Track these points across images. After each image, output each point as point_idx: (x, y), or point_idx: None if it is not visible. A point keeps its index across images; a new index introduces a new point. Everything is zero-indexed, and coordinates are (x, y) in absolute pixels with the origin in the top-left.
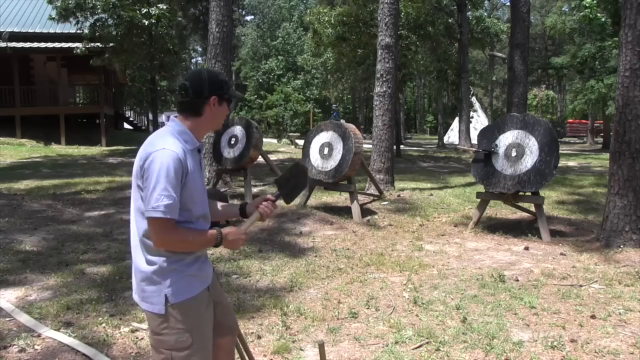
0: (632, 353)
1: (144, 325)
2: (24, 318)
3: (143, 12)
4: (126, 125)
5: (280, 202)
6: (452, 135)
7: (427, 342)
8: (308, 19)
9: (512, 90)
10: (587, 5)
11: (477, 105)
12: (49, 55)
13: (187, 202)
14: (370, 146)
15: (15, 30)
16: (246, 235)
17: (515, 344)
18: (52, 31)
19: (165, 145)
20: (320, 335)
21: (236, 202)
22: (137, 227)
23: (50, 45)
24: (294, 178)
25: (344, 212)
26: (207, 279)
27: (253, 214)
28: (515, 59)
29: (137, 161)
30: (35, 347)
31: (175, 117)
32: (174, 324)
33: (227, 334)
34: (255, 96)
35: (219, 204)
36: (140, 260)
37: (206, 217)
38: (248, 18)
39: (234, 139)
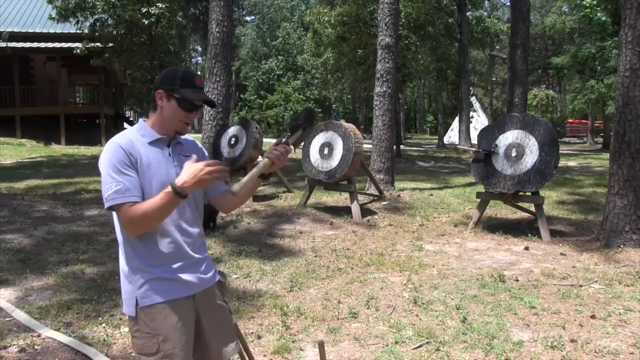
0: (632, 353)
1: None
2: (24, 318)
3: (143, 11)
4: (126, 125)
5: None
6: (452, 135)
7: (427, 342)
8: (308, 19)
9: (512, 90)
10: (587, 5)
11: (477, 105)
12: (49, 55)
13: (148, 192)
14: (370, 146)
15: (15, 30)
16: (209, 170)
17: (515, 344)
18: (52, 31)
19: (110, 140)
20: (320, 335)
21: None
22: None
23: (50, 45)
24: (304, 123)
25: (344, 212)
26: (190, 286)
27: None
28: (516, 59)
29: None
30: (35, 347)
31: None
32: (143, 327)
33: None
34: (255, 96)
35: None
36: (120, 261)
37: (182, 216)
38: (248, 18)
39: (234, 139)
